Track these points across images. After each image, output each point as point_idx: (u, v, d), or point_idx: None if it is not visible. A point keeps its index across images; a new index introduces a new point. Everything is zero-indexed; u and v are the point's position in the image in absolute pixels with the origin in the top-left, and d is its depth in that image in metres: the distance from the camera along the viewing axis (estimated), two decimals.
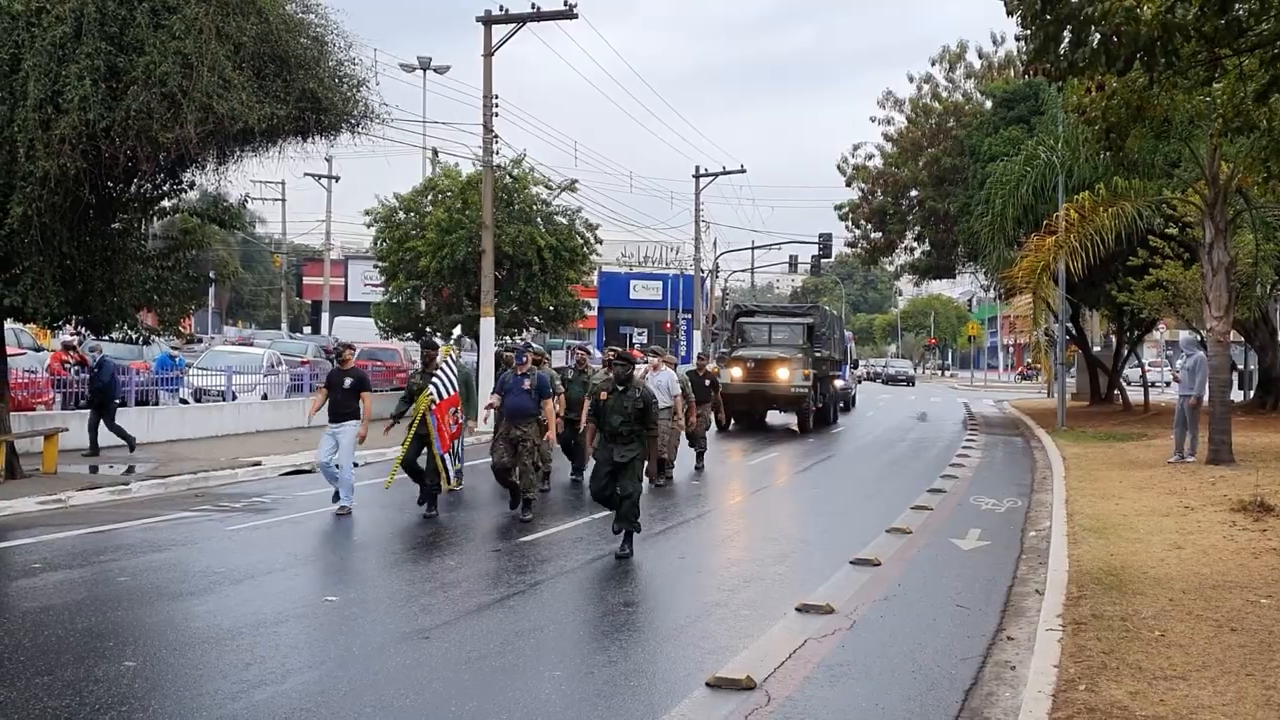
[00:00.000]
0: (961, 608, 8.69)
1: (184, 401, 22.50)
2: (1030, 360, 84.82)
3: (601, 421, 10.66)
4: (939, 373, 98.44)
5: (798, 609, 8.32)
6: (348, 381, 13.07)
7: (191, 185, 15.05)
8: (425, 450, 12.67)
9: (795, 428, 27.59)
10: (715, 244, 62.66)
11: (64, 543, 10.77)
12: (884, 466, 20.53)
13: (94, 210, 13.40)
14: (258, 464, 16.87)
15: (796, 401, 26.61)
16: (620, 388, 10.57)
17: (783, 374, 26.05)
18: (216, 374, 23.91)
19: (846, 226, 43.84)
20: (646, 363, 16.36)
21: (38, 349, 23.48)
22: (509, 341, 15.99)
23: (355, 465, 13.45)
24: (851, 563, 10.24)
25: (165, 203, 15.41)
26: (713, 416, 19.28)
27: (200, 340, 35.92)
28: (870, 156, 42.23)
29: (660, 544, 11.66)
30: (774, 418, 29.47)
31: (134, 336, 15.28)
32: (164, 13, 12.14)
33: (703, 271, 53.34)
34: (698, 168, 50.04)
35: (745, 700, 6.18)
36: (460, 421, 13.13)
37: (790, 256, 62.36)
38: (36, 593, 8.73)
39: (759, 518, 14.36)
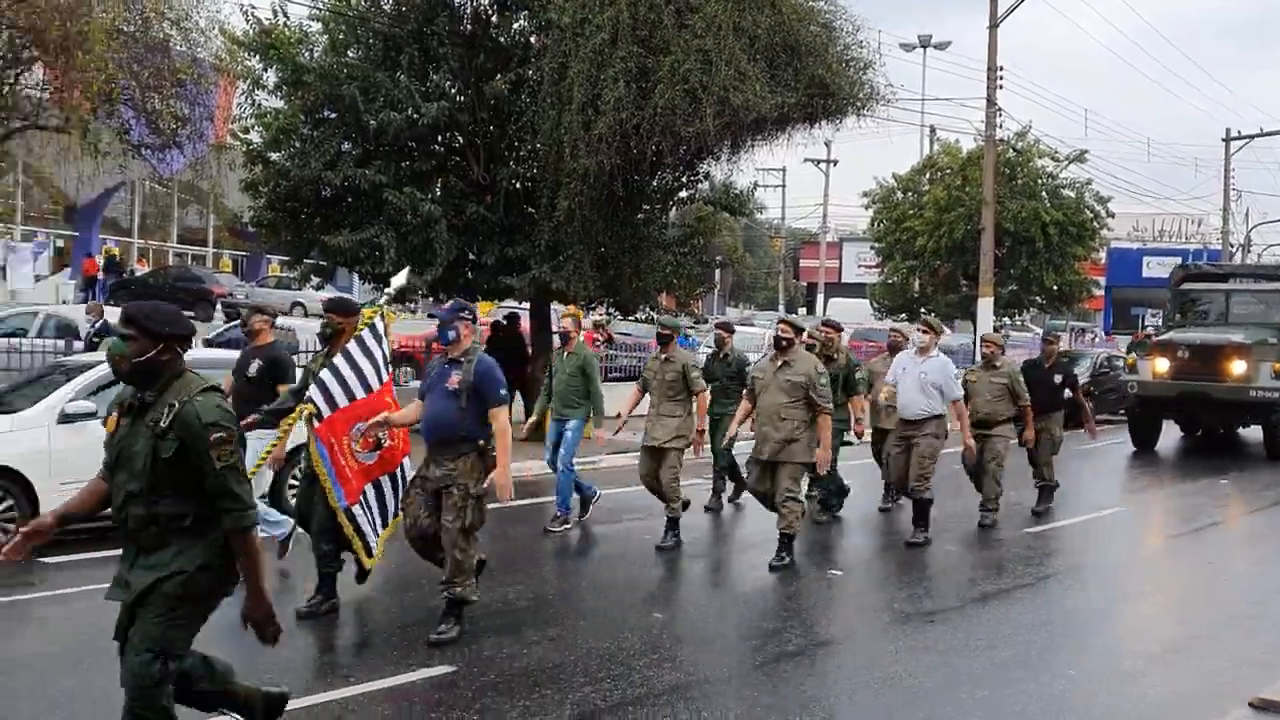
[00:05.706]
0: None
1: None
2: None
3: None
4: None
5: None
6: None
7: (706, 176, 16.10)
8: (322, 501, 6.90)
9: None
10: (1247, 215, 55.85)
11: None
12: None
13: (623, 202, 14.66)
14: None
15: (1259, 410, 17.40)
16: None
17: (1236, 368, 17.00)
18: None
19: None
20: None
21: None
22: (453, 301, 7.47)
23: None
24: None
25: (683, 193, 16.66)
26: (1058, 431, 11.83)
27: (706, 320, 38.16)
28: None
29: (1175, 547, 10.73)
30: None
31: (653, 317, 16.64)
32: (687, 13, 13.02)
33: (1231, 246, 47.91)
34: (1228, 130, 45.05)
35: None
36: (390, 442, 6.99)
37: None
38: (574, 545, 9.79)
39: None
